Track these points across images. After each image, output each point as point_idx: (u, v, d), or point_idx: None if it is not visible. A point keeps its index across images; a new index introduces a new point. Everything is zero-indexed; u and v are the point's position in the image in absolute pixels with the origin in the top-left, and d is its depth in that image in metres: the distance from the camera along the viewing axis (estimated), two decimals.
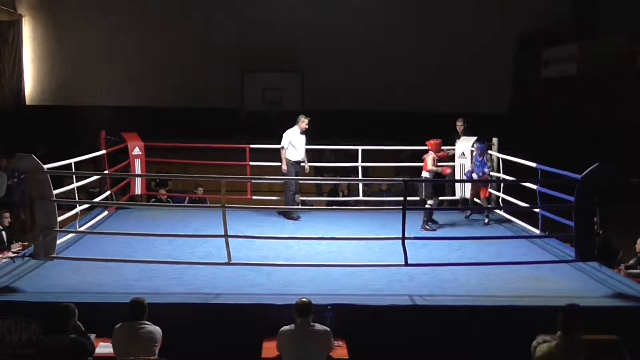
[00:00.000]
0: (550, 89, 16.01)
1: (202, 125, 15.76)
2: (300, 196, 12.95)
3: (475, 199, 10.06)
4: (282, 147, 9.87)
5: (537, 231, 8.36)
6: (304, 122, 9.91)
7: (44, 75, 17.26)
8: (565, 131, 14.39)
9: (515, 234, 8.93)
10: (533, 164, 8.49)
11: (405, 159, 11.89)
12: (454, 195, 10.69)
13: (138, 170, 10.56)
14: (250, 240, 7.84)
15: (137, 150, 10.60)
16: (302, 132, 9.90)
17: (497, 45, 17.01)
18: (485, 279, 6.96)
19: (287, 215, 9.93)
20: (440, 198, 10.74)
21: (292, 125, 9.93)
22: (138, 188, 10.74)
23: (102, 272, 6.83)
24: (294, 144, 9.85)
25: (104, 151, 9.93)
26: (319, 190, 14.21)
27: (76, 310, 5.34)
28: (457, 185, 10.56)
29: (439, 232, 9.08)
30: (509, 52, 17.40)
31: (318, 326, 5.41)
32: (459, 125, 11.01)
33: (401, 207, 6.70)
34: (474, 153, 9.81)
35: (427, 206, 9.11)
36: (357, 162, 10.71)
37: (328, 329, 5.45)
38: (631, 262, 8.33)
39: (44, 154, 6.81)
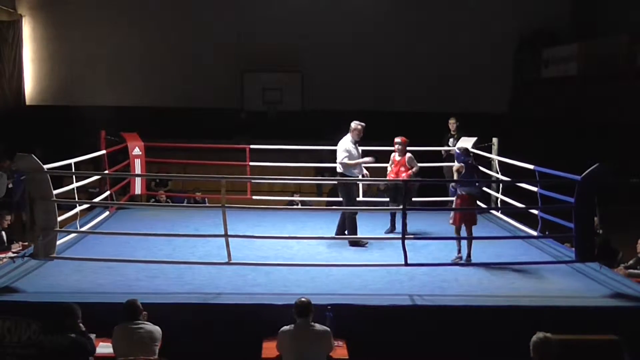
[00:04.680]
0: (550, 89, 16.01)
1: (202, 125, 15.77)
2: (300, 196, 12.98)
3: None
4: (346, 163, 8.40)
5: (536, 232, 8.36)
6: (356, 129, 8.50)
7: (44, 75, 17.25)
8: (565, 131, 14.39)
9: (514, 234, 8.93)
10: (531, 166, 8.49)
11: None
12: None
13: (138, 171, 10.56)
14: (250, 240, 7.85)
15: (137, 150, 10.60)
16: (356, 142, 8.56)
17: (497, 45, 17.01)
18: (485, 279, 6.97)
19: (353, 242, 8.31)
20: (442, 199, 10.76)
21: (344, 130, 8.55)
22: (138, 188, 10.74)
23: (102, 272, 6.83)
24: (352, 154, 8.46)
25: (103, 151, 9.93)
26: (319, 190, 14.22)
27: (78, 311, 5.34)
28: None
29: (439, 232, 9.07)
30: (509, 52, 17.40)
31: (318, 326, 5.42)
32: (452, 123, 11.01)
33: (401, 207, 6.70)
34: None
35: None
36: None
37: (328, 329, 5.46)
38: (631, 262, 8.34)
39: (41, 154, 6.82)
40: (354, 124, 8.57)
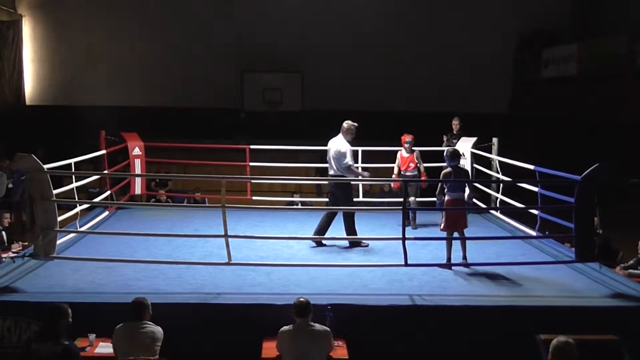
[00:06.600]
0: (550, 89, 16.02)
1: (202, 125, 15.78)
2: (300, 196, 12.98)
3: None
4: (350, 165, 8.10)
5: (536, 232, 8.36)
6: (350, 129, 8.19)
7: (44, 75, 17.26)
8: (565, 131, 14.40)
9: (514, 234, 8.93)
10: (531, 167, 8.49)
11: None
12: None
13: (138, 171, 10.57)
14: (250, 240, 7.85)
15: (137, 150, 10.60)
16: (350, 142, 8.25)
17: (497, 45, 17.03)
18: (485, 279, 6.97)
19: (353, 243, 8.20)
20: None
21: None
22: (138, 188, 10.74)
23: (102, 272, 6.83)
24: (353, 156, 8.21)
25: (103, 151, 9.93)
26: (319, 190, 14.22)
27: (69, 311, 5.19)
28: None
29: (439, 232, 9.06)
30: (509, 52, 17.41)
31: (318, 326, 5.42)
32: (455, 124, 10.98)
33: (401, 207, 6.70)
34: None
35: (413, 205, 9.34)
36: (357, 163, 10.70)
37: (328, 329, 5.45)
38: (631, 262, 8.35)
39: (43, 155, 6.83)
40: (348, 124, 8.25)
